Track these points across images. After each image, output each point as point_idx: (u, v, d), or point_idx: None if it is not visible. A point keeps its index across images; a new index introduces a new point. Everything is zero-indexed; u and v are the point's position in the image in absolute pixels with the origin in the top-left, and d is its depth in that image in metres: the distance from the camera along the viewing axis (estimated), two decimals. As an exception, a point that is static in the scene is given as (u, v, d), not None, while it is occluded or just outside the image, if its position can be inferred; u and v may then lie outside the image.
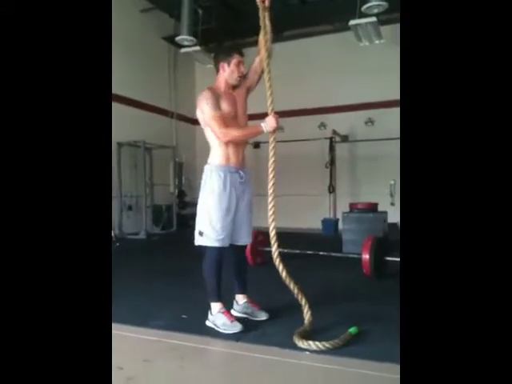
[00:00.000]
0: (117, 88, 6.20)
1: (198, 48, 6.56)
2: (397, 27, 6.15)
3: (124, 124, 6.25)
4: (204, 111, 2.14)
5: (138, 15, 7.08)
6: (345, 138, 7.62)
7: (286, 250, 3.83)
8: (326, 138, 7.49)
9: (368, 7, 5.25)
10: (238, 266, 2.38)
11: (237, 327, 2.09)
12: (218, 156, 2.19)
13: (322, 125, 7.89)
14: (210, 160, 2.23)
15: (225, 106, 2.16)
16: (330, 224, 6.93)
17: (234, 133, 2.13)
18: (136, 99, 6.98)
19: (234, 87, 2.26)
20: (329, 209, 7.58)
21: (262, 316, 2.28)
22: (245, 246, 2.44)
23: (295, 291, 2.08)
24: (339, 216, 6.20)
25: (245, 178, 2.23)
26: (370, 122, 7.61)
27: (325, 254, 3.72)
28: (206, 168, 2.22)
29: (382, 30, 5.89)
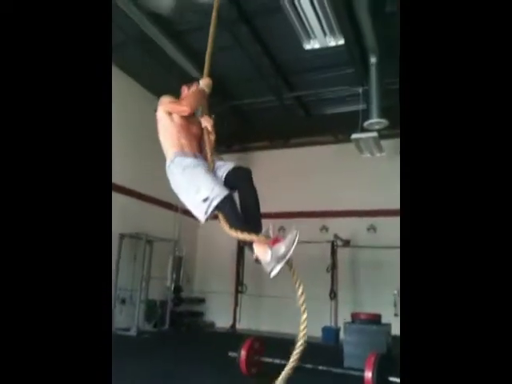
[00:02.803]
0: (123, 180, 6.41)
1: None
2: (397, 142, 6.56)
3: (127, 215, 6.32)
4: (161, 103, 2.51)
5: (151, 112, 7.61)
6: (346, 243, 7.59)
7: (282, 361, 3.53)
8: (327, 242, 7.47)
9: (369, 123, 5.61)
10: (246, 204, 2.31)
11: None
12: (172, 149, 2.38)
13: (324, 228, 7.93)
14: (168, 160, 2.39)
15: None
16: (331, 333, 6.57)
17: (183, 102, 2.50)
18: (141, 192, 7.15)
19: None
20: (330, 315, 7.22)
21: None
22: (242, 178, 2.39)
23: None
24: (340, 323, 5.88)
25: (200, 158, 2.42)
26: (371, 228, 7.65)
27: (324, 368, 3.44)
28: (168, 164, 2.37)
29: (383, 143, 6.18)
